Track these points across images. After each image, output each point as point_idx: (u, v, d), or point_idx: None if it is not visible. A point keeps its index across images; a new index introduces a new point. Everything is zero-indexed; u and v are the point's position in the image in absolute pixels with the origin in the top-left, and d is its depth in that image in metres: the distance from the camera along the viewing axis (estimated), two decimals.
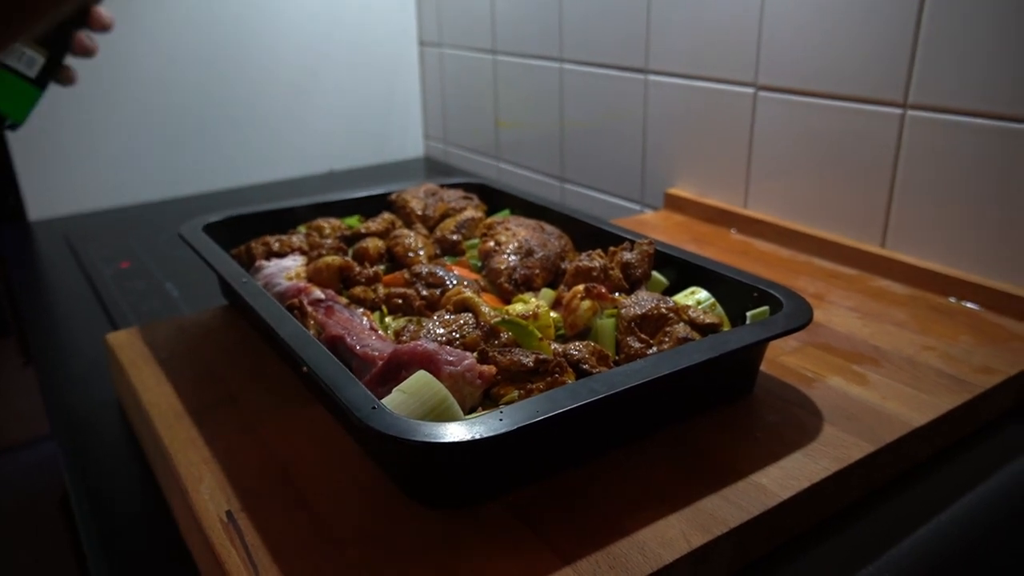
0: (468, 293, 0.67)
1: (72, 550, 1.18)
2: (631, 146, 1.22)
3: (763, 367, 0.66)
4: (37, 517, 1.72)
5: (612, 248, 0.75)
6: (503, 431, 0.45)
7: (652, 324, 0.63)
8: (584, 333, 0.66)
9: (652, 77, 1.14)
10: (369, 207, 0.94)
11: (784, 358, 0.71)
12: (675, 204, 1.15)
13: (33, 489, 1.82)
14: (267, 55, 1.52)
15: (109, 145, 1.40)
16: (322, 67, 1.59)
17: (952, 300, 0.83)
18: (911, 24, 0.82)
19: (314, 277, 0.74)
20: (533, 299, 0.69)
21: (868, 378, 0.67)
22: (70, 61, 0.66)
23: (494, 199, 0.96)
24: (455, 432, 0.45)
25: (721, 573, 0.50)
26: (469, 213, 0.88)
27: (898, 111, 0.85)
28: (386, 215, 0.88)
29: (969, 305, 0.81)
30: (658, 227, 1.10)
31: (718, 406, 0.62)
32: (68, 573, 1.53)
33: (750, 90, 1.01)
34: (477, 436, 0.44)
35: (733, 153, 1.06)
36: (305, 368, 0.52)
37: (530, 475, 0.53)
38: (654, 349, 0.60)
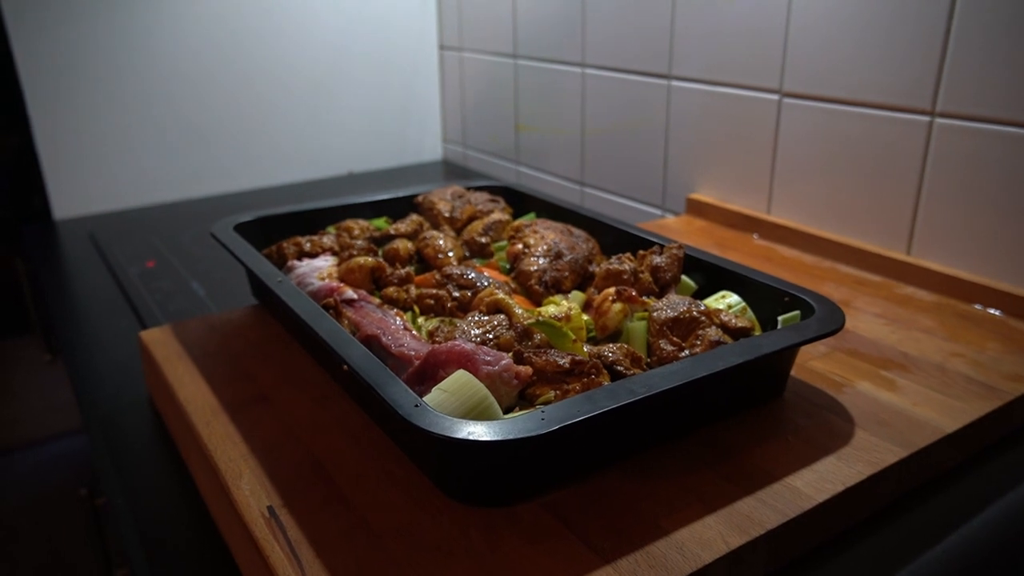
0: (500, 295, 0.68)
1: (95, 546, 1.18)
2: (653, 151, 1.23)
3: (792, 372, 0.67)
4: (57, 513, 1.73)
5: (641, 252, 0.75)
6: (546, 430, 0.45)
7: (684, 327, 0.63)
8: (615, 335, 0.67)
9: (675, 83, 1.15)
10: (395, 209, 0.94)
11: (813, 363, 0.71)
12: (697, 209, 1.16)
13: (52, 486, 1.83)
14: (289, 57, 1.53)
15: (133, 145, 1.42)
16: (343, 70, 1.60)
17: (978, 307, 0.83)
18: (940, 32, 0.82)
19: (346, 277, 0.74)
20: (564, 301, 0.70)
21: (897, 384, 0.68)
22: None
23: (520, 202, 0.97)
24: (498, 430, 0.45)
25: (755, 575, 0.50)
26: (496, 216, 0.88)
27: (926, 119, 0.86)
28: (413, 217, 0.89)
29: (996, 312, 0.81)
30: (680, 232, 1.10)
31: (749, 409, 0.63)
32: (88, 568, 1.54)
33: (775, 97, 1.01)
34: (520, 434, 0.45)
35: (757, 159, 1.07)
36: (345, 366, 0.53)
37: (566, 474, 0.54)
38: (686, 352, 0.61)
